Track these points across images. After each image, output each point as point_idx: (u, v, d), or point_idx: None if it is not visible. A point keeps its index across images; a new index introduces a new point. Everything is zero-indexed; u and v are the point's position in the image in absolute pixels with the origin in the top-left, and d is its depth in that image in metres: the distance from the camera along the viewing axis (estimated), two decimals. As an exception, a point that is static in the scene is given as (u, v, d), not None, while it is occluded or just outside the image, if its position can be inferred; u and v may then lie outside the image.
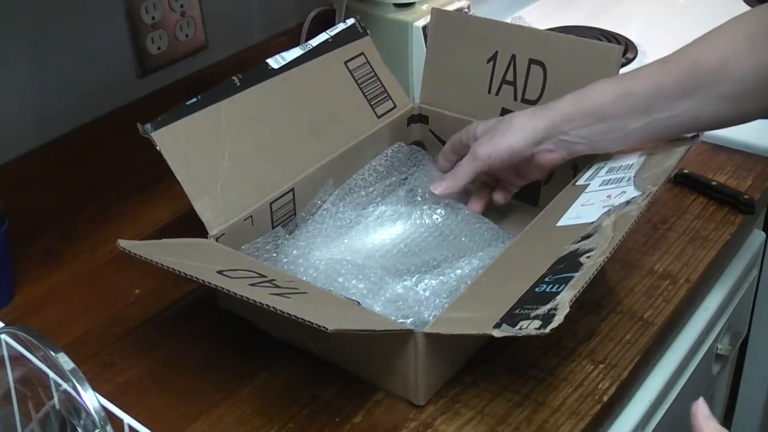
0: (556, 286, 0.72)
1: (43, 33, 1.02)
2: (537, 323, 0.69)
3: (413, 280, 0.88)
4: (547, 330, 0.67)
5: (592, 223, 0.80)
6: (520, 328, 0.69)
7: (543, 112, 0.92)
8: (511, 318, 0.71)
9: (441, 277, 0.88)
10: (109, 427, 0.60)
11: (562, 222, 0.84)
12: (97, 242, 1.01)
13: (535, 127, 0.91)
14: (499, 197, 1.00)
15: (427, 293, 0.87)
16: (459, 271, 0.89)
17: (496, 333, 0.70)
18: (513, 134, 0.92)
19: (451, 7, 1.23)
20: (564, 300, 0.70)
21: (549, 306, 0.70)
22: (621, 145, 0.91)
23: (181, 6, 1.15)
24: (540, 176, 0.97)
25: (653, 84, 0.88)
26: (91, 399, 0.60)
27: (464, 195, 1.01)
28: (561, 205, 0.87)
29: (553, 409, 0.79)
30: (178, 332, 0.89)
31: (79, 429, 0.64)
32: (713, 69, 0.86)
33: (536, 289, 0.73)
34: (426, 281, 0.88)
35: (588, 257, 0.74)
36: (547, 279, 0.74)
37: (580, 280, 0.71)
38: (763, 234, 1.18)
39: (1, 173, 1.00)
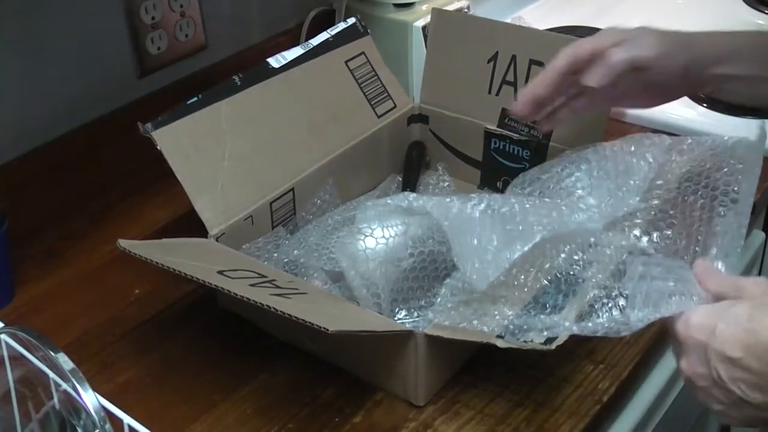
0: (559, 297, 0.73)
1: (43, 33, 1.02)
2: (542, 338, 0.69)
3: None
4: (553, 347, 0.68)
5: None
6: (524, 341, 0.69)
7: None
8: (515, 328, 0.71)
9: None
10: (108, 427, 0.60)
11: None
12: (97, 242, 1.01)
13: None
14: (568, 111, 0.90)
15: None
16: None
17: (500, 343, 0.70)
18: None
19: (451, 7, 1.23)
20: (570, 318, 0.70)
21: (555, 319, 0.70)
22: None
23: (181, 6, 1.15)
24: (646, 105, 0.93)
25: None
26: (90, 399, 0.60)
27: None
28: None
29: (553, 409, 0.79)
30: (178, 332, 0.89)
31: (78, 429, 0.64)
32: None
33: (540, 299, 0.74)
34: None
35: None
36: (549, 290, 0.75)
37: (581, 296, 0.72)
38: (763, 234, 1.17)
39: (1, 173, 1.00)
